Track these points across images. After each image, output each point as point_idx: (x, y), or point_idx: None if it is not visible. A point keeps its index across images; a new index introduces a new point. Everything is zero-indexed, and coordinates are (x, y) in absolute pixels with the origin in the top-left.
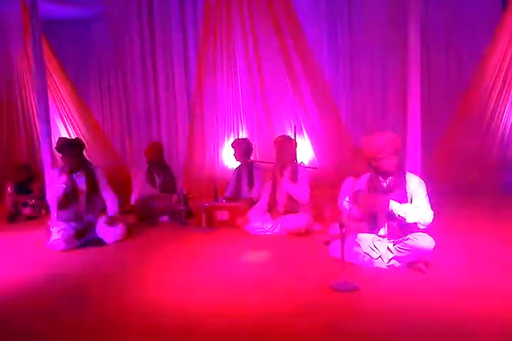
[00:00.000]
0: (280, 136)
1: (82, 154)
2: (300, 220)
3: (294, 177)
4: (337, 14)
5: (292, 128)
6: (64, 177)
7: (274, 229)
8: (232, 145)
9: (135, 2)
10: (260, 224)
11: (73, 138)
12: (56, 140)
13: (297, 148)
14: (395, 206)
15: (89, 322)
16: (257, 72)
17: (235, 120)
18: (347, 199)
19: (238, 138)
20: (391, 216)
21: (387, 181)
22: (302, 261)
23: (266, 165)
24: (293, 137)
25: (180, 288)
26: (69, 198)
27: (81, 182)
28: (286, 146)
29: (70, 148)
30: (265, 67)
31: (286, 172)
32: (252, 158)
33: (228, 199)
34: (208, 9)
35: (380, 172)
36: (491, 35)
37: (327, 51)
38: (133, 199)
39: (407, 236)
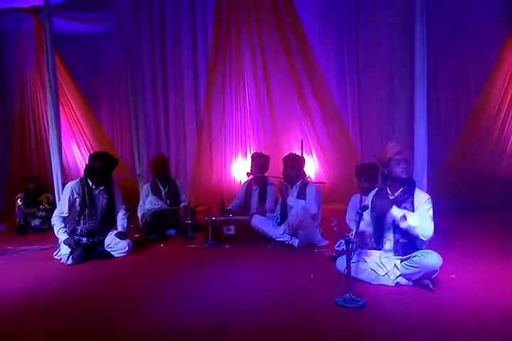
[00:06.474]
0: (287, 155)
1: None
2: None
3: (302, 195)
4: (345, 35)
5: (299, 144)
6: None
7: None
8: (252, 158)
9: (146, 18)
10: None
11: (112, 157)
12: (97, 156)
13: (304, 165)
14: (396, 211)
15: (92, 336)
16: (264, 87)
17: (242, 136)
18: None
19: (257, 152)
20: (397, 229)
21: (396, 194)
22: (308, 277)
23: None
24: (300, 153)
25: (185, 303)
26: (88, 212)
27: (103, 198)
28: (291, 164)
29: (113, 169)
30: (273, 83)
31: (295, 190)
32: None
33: (235, 214)
34: (218, 28)
35: (393, 180)
36: (498, 53)
37: (335, 69)
38: (139, 213)
39: (414, 254)
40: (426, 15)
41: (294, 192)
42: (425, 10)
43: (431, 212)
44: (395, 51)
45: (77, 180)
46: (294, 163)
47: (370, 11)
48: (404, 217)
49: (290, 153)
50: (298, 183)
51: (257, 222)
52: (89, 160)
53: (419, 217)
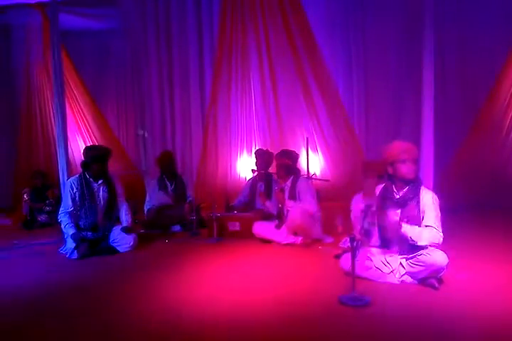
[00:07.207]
0: (279, 151)
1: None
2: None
3: (292, 194)
4: (352, 33)
5: (305, 141)
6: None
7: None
8: (256, 154)
9: (152, 15)
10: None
11: (103, 147)
12: (87, 148)
13: (296, 161)
14: (407, 229)
15: (94, 332)
16: (270, 84)
17: (248, 133)
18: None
19: (261, 148)
20: (402, 234)
21: (401, 193)
22: (312, 274)
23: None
24: (306, 150)
25: (189, 299)
26: (88, 205)
27: (103, 192)
28: (281, 161)
29: (105, 158)
30: (279, 80)
31: (286, 188)
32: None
33: (240, 210)
34: (224, 25)
35: (398, 179)
36: (506, 51)
37: (342, 68)
38: (146, 208)
39: (420, 252)
40: (434, 16)
41: (286, 189)
42: (433, 9)
43: (439, 216)
44: (403, 50)
45: (77, 175)
46: (284, 160)
47: (378, 9)
48: (412, 240)
49: (282, 150)
50: (289, 180)
51: (259, 229)
52: (82, 154)
53: (426, 229)
